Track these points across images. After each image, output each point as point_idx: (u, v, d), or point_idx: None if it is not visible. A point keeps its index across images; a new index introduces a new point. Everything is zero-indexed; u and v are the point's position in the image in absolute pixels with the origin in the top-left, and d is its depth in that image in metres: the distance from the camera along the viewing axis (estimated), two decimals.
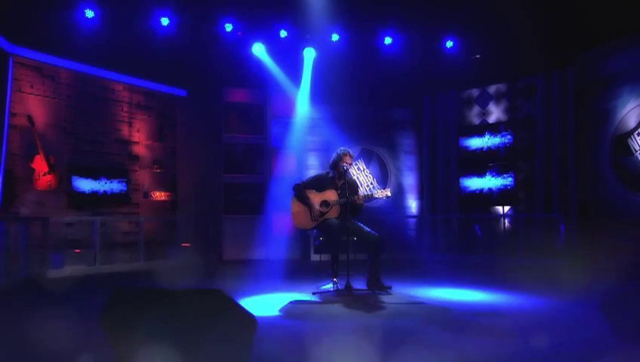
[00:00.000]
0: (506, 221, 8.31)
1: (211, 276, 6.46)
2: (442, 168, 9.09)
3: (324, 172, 5.33)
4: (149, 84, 8.43)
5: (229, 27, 8.08)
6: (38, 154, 6.86)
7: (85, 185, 7.41)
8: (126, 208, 7.96)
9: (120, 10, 7.54)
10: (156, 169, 8.30)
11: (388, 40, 8.56)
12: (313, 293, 4.84)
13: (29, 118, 6.83)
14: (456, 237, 8.70)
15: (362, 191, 8.94)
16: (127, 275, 6.73)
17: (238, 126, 8.82)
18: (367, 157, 9.25)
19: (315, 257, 8.17)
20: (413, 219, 9.32)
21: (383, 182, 9.24)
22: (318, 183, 5.16)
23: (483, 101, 8.86)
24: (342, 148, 5.21)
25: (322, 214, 5.00)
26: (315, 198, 5.05)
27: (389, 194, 5.00)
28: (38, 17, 6.81)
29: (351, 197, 4.91)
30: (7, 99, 6.71)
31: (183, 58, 8.06)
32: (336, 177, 5.15)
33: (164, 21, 7.75)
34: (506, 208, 8.40)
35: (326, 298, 4.64)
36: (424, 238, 9.01)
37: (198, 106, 8.86)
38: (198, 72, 8.37)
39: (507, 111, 8.59)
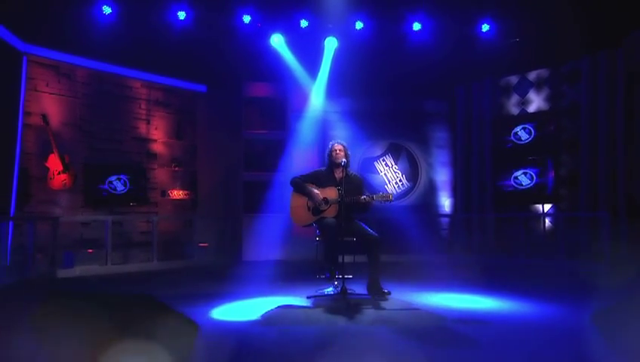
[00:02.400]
0: (547, 220, 7.74)
1: (218, 277, 6.35)
2: (477, 163, 8.60)
3: (324, 168, 5.14)
4: (168, 80, 8.43)
5: (247, 18, 7.95)
6: (53, 153, 6.99)
7: (102, 184, 7.49)
8: (144, 207, 8.01)
9: (136, 6, 7.56)
10: (174, 167, 8.30)
11: (417, 26, 8.14)
12: (307, 297, 4.68)
13: (44, 117, 6.97)
14: (491, 238, 8.19)
15: (389, 188, 8.70)
16: (135, 276, 6.73)
17: (259, 121, 8.69)
18: (396, 152, 8.88)
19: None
20: (446, 219, 8.87)
21: (412, 179, 8.86)
22: (318, 178, 4.99)
23: (522, 89, 8.30)
24: (331, 141, 5.14)
25: (321, 211, 4.82)
26: (316, 190, 4.89)
27: (391, 198, 4.66)
28: (54, 16, 6.91)
29: (347, 197, 4.70)
30: (21, 98, 6.88)
31: (202, 52, 7.99)
32: (335, 171, 4.97)
33: (181, 15, 7.70)
34: (547, 206, 7.82)
35: (318, 303, 4.49)
36: (457, 239, 8.56)
37: (218, 102, 8.80)
38: (218, 66, 8.29)
39: (549, 99, 7.99)
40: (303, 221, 4.94)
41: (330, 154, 5.02)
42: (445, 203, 8.90)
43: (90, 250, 7.08)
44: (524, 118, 8.08)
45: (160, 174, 8.26)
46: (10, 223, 6.59)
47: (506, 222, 8.16)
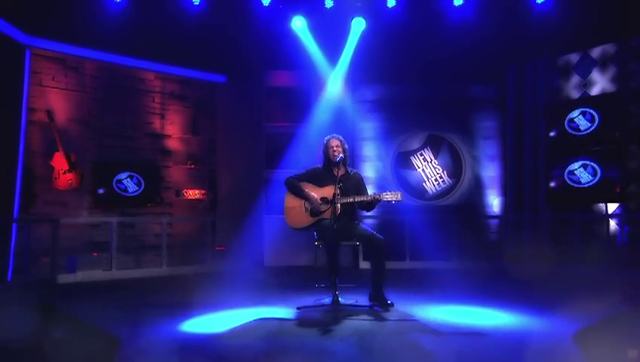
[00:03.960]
0: (612, 222, 6.87)
1: (221, 284, 6.11)
2: (530, 156, 7.82)
3: (321, 165, 4.97)
4: (184, 71, 8.23)
5: (266, 0, 7.61)
6: (58, 151, 6.93)
7: (112, 183, 7.37)
8: (158, 208, 7.85)
9: None
10: (190, 165, 8.09)
11: (458, 0, 7.51)
12: (298, 308, 4.50)
13: (48, 113, 6.92)
14: (545, 243, 7.40)
15: (428, 186, 8.13)
16: (137, 282, 6.58)
17: (282, 113, 8.32)
18: (436, 145, 8.25)
19: (364, 265, 7.44)
20: (495, 220, 8.14)
21: (455, 175, 8.19)
22: (315, 176, 4.81)
23: (584, 68, 7.44)
24: (327, 136, 4.93)
25: (320, 212, 4.63)
26: (313, 193, 4.71)
27: (400, 198, 4.44)
28: (59, 6, 6.82)
29: (348, 196, 4.60)
30: (25, 94, 6.84)
31: (220, 39, 7.75)
32: (334, 169, 4.75)
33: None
34: (612, 206, 6.94)
35: (305, 315, 4.33)
36: (508, 244, 7.82)
37: (239, 93, 8.50)
38: (238, 54, 8.01)
39: (616, 79, 7.11)
40: (300, 223, 4.75)
41: (326, 151, 4.85)
42: (494, 202, 8.17)
43: (96, 254, 6.97)
44: (586, 102, 7.21)
45: (175, 172, 8.07)
46: (14, 225, 6.60)
47: (563, 225, 7.35)
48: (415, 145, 8.27)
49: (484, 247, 7.78)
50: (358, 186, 4.83)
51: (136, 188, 7.52)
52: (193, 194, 8.01)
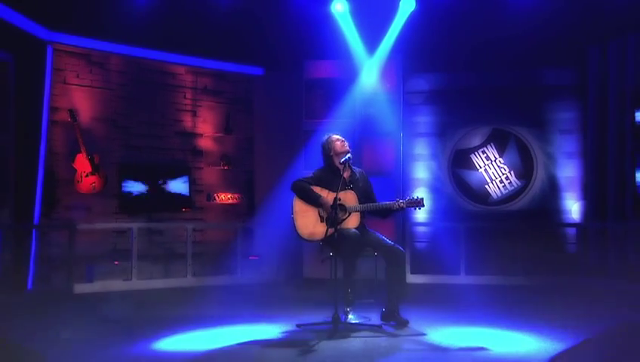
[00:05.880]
0: None
1: (236, 297, 6.03)
2: (616, 152, 6.95)
3: (323, 167, 4.77)
4: (218, 64, 7.99)
5: None
6: (80, 152, 6.90)
7: (139, 186, 7.30)
8: (190, 213, 7.68)
9: None
10: (223, 166, 7.86)
11: None
12: (297, 326, 4.46)
13: (71, 112, 6.90)
14: (635, 256, 6.51)
15: (491, 188, 7.56)
16: (150, 293, 6.50)
17: (323, 108, 7.87)
18: (501, 141, 7.56)
19: (412, 278, 6.89)
20: (573, 229, 7.33)
21: (525, 176, 7.47)
22: (321, 180, 4.56)
23: None
24: (326, 134, 4.84)
25: (340, 221, 4.37)
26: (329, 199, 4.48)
27: (423, 204, 4.41)
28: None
29: (363, 205, 4.49)
30: (46, 93, 6.86)
31: (257, 27, 7.50)
32: (339, 170, 4.51)
33: None
34: None
35: (300, 333, 4.27)
36: (589, 256, 7.00)
37: (278, 87, 8.19)
38: (276, 44, 7.72)
39: None
40: (315, 234, 4.50)
41: (332, 148, 4.64)
42: (572, 208, 7.35)
43: (117, 262, 6.88)
44: None
45: (207, 174, 7.89)
46: (34, 232, 6.63)
47: None
48: (476, 141, 7.62)
49: (559, 261, 7.04)
50: (367, 188, 4.60)
51: (165, 191, 7.42)
52: (226, 198, 7.77)
